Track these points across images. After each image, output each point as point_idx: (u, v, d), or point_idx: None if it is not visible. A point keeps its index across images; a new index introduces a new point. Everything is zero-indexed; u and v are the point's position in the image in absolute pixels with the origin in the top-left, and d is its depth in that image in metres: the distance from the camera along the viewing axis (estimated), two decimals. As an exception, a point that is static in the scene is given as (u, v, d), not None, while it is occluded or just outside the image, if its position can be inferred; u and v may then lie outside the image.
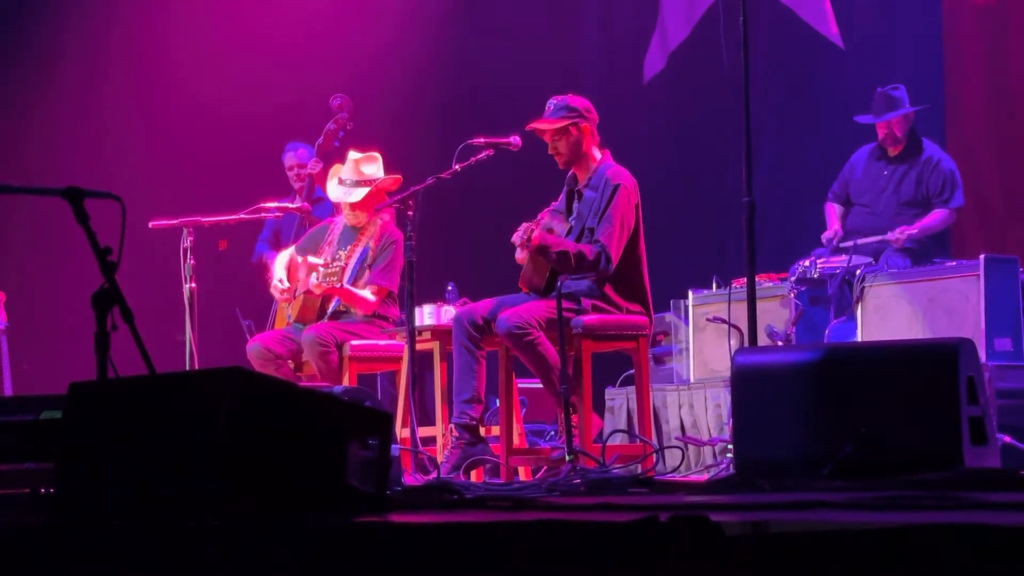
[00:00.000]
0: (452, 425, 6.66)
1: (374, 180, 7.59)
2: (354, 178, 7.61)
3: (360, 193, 7.57)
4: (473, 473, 6.67)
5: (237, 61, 10.35)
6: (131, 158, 10.32)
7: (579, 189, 6.79)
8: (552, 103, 6.79)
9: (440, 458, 6.70)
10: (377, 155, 7.69)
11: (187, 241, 7.62)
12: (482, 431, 6.73)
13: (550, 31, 10.79)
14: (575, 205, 6.79)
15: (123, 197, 4.26)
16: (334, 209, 8.15)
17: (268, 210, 8.19)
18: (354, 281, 7.57)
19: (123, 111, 10.58)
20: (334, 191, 7.67)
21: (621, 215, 6.60)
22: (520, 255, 6.76)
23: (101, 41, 10.60)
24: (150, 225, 7.64)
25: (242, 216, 7.99)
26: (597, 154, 6.80)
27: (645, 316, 6.73)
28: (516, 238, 6.60)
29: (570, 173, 6.86)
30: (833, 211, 8.52)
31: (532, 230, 6.55)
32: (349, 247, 7.64)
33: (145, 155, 10.40)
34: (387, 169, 7.69)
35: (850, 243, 8.02)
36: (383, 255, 7.59)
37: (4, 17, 10.46)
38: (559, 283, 6.50)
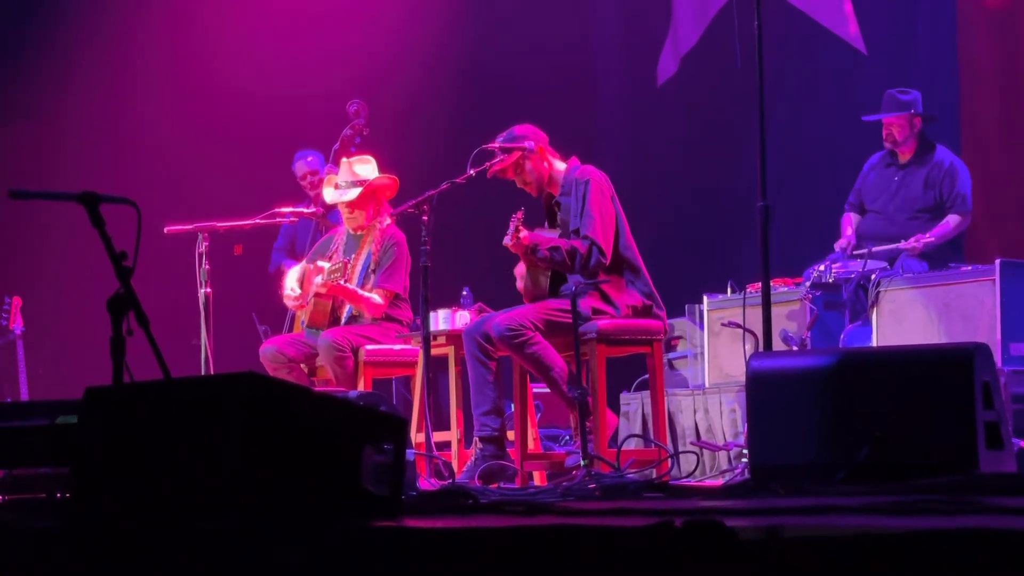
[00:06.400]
0: (476, 438, 6.67)
1: (368, 180, 7.63)
2: (348, 179, 7.65)
3: (355, 192, 7.60)
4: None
5: (252, 66, 10.37)
6: (146, 163, 10.34)
7: (556, 201, 6.83)
8: (498, 141, 6.84)
9: (458, 468, 6.71)
10: (370, 157, 7.73)
11: (202, 246, 7.63)
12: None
13: (565, 36, 10.79)
14: (558, 217, 6.82)
15: (138, 202, 4.27)
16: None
17: (283, 215, 8.20)
18: (361, 287, 7.58)
19: (139, 117, 10.61)
20: (330, 195, 7.72)
21: (598, 208, 6.64)
22: (519, 271, 6.80)
23: (117, 48, 10.63)
24: (165, 230, 7.66)
25: (257, 221, 8.00)
26: (561, 165, 6.87)
27: (659, 320, 6.73)
28: (507, 237, 6.62)
29: (545, 193, 6.90)
30: (848, 220, 8.50)
31: (520, 220, 6.56)
32: (353, 255, 7.66)
33: (160, 160, 10.43)
34: (396, 173, 7.72)
35: (864, 251, 8.00)
36: (386, 258, 7.60)
37: (22, 24, 10.49)
38: (574, 287, 6.51)
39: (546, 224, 6.92)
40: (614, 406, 8.18)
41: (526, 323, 6.49)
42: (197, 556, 3.31)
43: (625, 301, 6.67)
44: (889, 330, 7.55)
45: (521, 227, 6.58)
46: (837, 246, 8.28)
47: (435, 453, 6.66)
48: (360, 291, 7.53)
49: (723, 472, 7.26)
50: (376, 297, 7.55)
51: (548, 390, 7.08)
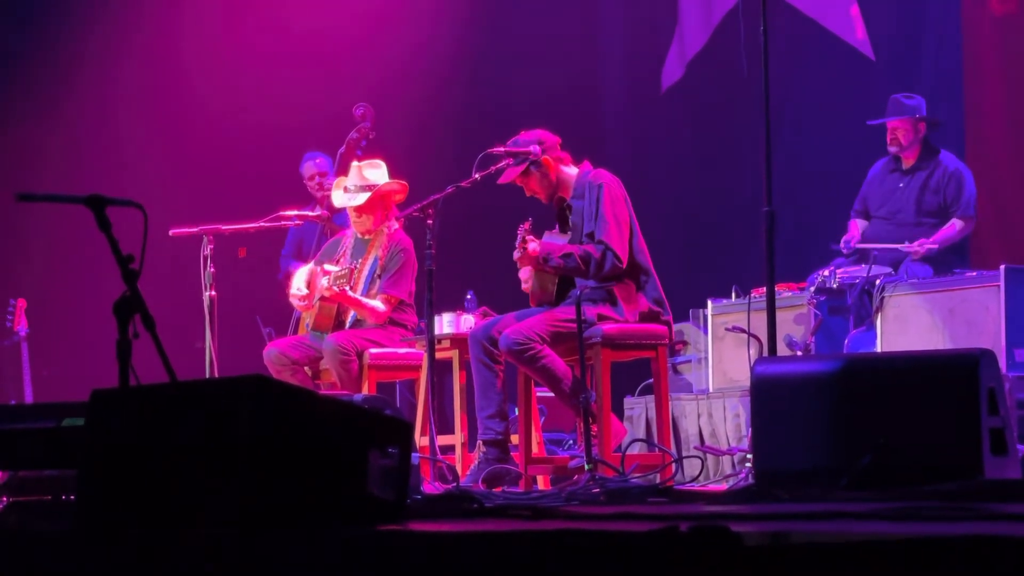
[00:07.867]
0: (479, 441, 6.67)
1: (377, 185, 7.62)
2: (358, 183, 7.64)
3: (364, 196, 7.60)
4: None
5: (258, 70, 10.37)
6: (152, 166, 10.34)
7: (568, 204, 6.80)
8: (505, 148, 6.83)
9: (463, 471, 6.71)
10: (380, 162, 7.72)
11: (207, 249, 7.63)
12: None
13: (571, 41, 10.80)
14: (569, 220, 6.80)
15: (144, 205, 4.28)
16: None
17: (288, 218, 8.19)
18: (367, 292, 7.58)
19: (144, 119, 10.61)
20: (339, 199, 7.71)
21: (613, 212, 6.62)
22: (523, 274, 6.78)
23: (121, 50, 10.63)
24: (170, 233, 7.65)
25: (262, 224, 7.99)
26: (572, 170, 6.83)
27: (663, 325, 6.72)
28: (516, 251, 6.62)
29: (556, 198, 6.88)
30: (855, 224, 8.51)
31: (527, 231, 6.56)
32: (360, 260, 7.66)
33: (165, 163, 10.43)
34: (402, 177, 7.72)
35: (869, 247, 7.99)
36: (392, 263, 7.60)
37: (24, 27, 10.50)
38: (579, 292, 6.50)
39: (556, 228, 6.90)
40: (618, 410, 8.18)
41: (533, 336, 6.48)
42: (202, 560, 3.31)
43: (634, 308, 6.66)
44: (893, 335, 7.55)
45: (529, 238, 6.57)
46: (843, 239, 8.26)
47: (439, 457, 6.66)
48: (363, 299, 7.53)
49: (727, 477, 7.25)
50: (379, 305, 7.54)
51: (552, 395, 7.09)
